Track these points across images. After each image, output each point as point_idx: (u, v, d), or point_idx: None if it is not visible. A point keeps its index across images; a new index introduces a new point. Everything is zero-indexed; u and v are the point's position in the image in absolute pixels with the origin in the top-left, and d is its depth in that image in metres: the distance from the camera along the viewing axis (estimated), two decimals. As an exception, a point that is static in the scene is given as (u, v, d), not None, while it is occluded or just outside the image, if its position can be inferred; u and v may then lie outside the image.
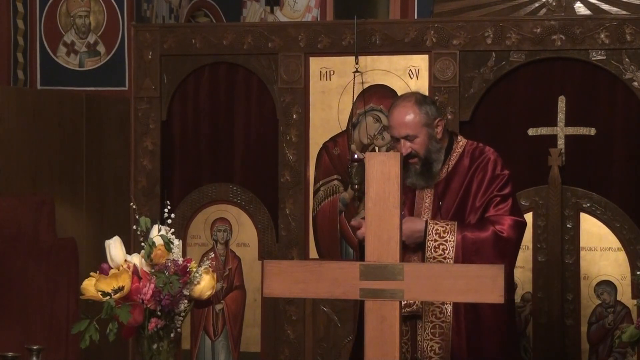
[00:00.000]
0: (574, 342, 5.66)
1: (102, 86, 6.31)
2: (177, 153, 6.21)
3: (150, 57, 6.15)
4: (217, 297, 6.05)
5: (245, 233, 6.10)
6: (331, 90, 6.00)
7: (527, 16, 6.31)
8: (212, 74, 6.16)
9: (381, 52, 5.92)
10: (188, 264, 3.71)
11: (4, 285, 5.08)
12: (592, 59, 5.69)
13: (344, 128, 5.99)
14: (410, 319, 4.42)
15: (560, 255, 5.65)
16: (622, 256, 5.64)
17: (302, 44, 5.99)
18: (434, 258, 4.33)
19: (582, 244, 5.68)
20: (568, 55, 5.74)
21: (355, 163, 5.57)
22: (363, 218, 3.94)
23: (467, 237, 4.33)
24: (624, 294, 5.65)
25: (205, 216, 6.14)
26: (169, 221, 3.81)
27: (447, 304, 4.38)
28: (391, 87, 5.92)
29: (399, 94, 5.54)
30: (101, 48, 6.34)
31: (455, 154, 4.55)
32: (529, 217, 5.55)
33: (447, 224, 4.37)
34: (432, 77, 5.84)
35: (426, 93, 5.59)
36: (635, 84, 5.64)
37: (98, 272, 3.71)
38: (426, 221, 4.38)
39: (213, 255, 5.59)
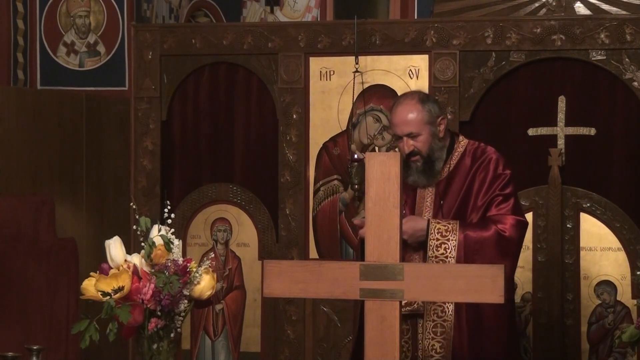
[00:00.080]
0: (574, 342, 5.66)
1: (102, 86, 6.31)
2: (177, 153, 6.21)
3: (150, 57, 6.15)
4: (217, 297, 6.04)
5: (245, 233, 6.10)
6: (331, 90, 6.00)
7: (527, 16, 6.31)
8: (212, 74, 6.16)
9: (381, 52, 5.92)
10: (188, 264, 3.71)
11: (4, 285, 5.08)
12: (592, 59, 5.69)
13: (344, 128, 5.99)
14: (411, 317, 4.42)
15: (560, 255, 5.65)
16: (622, 256, 5.64)
17: (302, 44, 5.99)
18: (436, 257, 4.33)
19: (582, 244, 5.68)
20: (568, 55, 5.73)
21: (355, 163, 5.58)
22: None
23: (469, 236, 4.33)
24: (624, 294, 5.65)
25: (205, 216, 6.14)
26: (169, 221, 3.81)
27: (448, 302, 4.38)
28: (391, 87, 5.92)
29: (399, 94, 5.53)
30: (101, 48, 6.34)
31: (456, 154, 4.55)
32: (529, 217, 5.54)
33: (449, 223, 4.36)
34: (432, 77, 5.84)
35: (427, 93, 5.60)
36: (635, 84, 5.64)
37: (98, 272, 3.71)
38: (428, 220, 4.38)
39: (213, 255, 5.60)
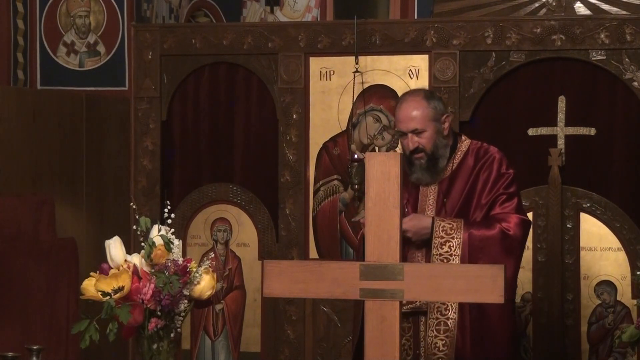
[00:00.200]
0: (574, 342, 5.66)
1: (102, 86, 6.30)
2: (177, 153, 6.21)
3: (150, 57, 6.15)
4: (217, 297, 6.04)
5: (245, 233, 6.10)
6: (331, 90, 6.00)
7: (527, 16, 6.31)
8: (212, 74, 6.16)
9: (381, 52, 5.92)
10: (188, 264, 3.71)
11: (4, 285, 5.08)
12: (592, 59, 5.69)
13: (344, 128, 5.99)
14: (413, 315, 4.42)
15: (560, 255, 5.65)
16: (622, 256, 5.64)
17: (302, 44, 5.99)
18: (440, 255, 4.32)
19: (582, 244, 5.68)
20: (568, 55, 5.73)
21: (355, 163, 5.58)
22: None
23: (474, 234, 4.33)
24: (624, 294, 5.65)
25: (205, 216, 6.14)
26: (169, 221, 3.81)
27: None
28: (391, 87, 5.92)
29: (399, 94, 5.53)
30: (101, 48, 6.34)
31: (459, 153, 4.55)
32: (529, 217, 5.54)
33: (454, 222, 4.36)
34: (432, 77, 5.84)
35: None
36: (635, 84, 5.64)
37: (98, 272, 3.71)
38: (433, 218, 4.38)
39: (213, 255, 5.59)
